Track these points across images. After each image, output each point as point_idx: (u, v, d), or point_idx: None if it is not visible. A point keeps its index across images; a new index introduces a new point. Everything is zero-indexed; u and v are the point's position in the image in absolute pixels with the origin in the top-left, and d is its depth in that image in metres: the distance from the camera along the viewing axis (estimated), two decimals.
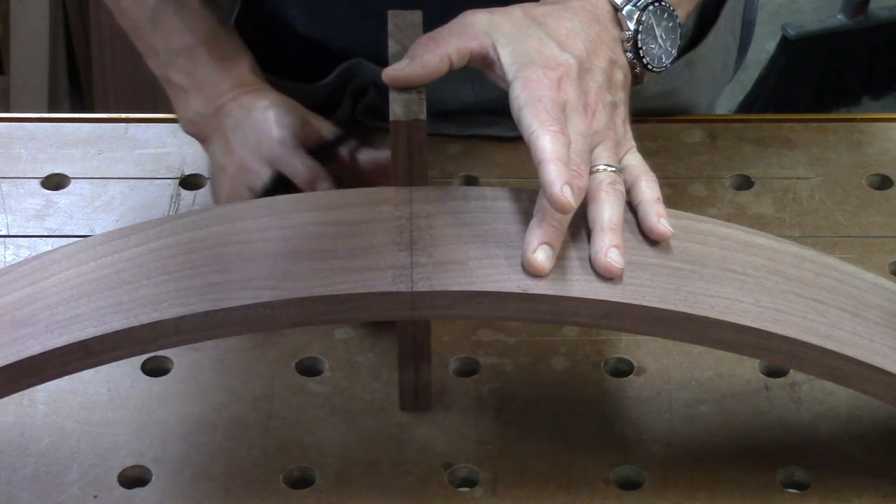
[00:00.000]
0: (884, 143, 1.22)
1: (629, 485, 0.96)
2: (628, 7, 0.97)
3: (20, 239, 1.13)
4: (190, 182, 1.18)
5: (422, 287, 0.86)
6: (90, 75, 2.37)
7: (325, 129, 1.10)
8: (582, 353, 1.05)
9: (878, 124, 1.24)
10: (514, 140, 0.98)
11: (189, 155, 1.20)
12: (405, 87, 0.91)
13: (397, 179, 0.92)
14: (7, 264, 1.05)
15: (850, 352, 0.89)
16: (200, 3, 1.12)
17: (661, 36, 0.98)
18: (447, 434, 0.99)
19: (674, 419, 1.00)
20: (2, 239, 1.13)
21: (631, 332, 1.03)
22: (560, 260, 0.88)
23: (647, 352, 1.04)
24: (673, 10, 0.98)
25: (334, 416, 1.00)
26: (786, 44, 2.60)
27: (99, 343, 0.86)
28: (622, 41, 0.97)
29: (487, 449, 0.98)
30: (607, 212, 0.88)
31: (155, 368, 1.04)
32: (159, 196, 1.17)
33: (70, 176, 1.18)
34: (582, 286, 0.87)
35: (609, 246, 0.87)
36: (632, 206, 0.92)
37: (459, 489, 0.96)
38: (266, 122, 1.08)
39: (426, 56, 0.92)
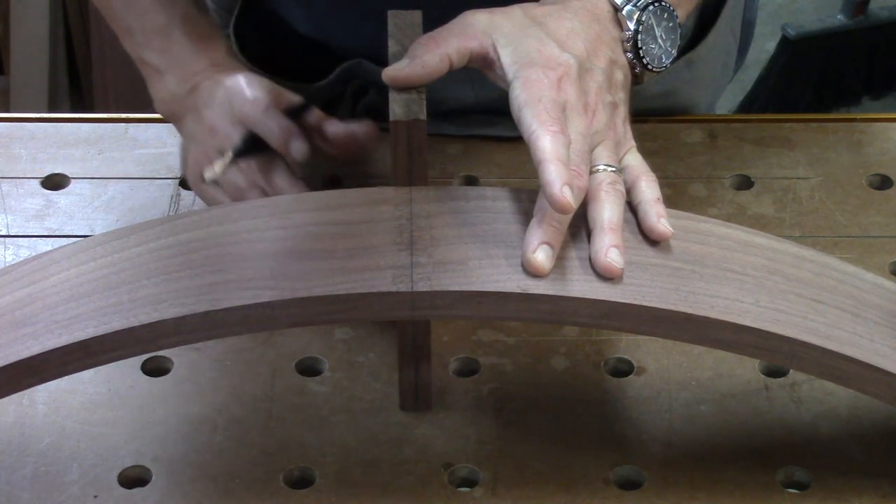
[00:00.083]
0: (884, 143, 1.22)
1: (629, 485, 0.96)
2: (628, 7, 0.97)
3: (20, 239, 1.13)
4: None
5: (422, 287, 0.86)
6: (90, 75, 2.37)
7: (294, 98, 1.09)
8: (582, 353, 1.05)
9: (878, 124, 1.24)
10: (514, 140, 0.98)
11: None
12: (405, 87, 0.91)
13: (397, 179, 0.92)
14: (7, 264, 1.05)
15: (850, 352, 0.89)
16: None
17: (661, 36, 0.98)
18: (447, 434, 0.99)
19: (674, 419, 1.00)
20: (2, 239, 1.13)
21: (631, 332, 1.03)
22: (560, 260, 0.88)
23: (647, 352, 1.04)
24: (673, 10, 0.98)
25: (334, 416, 1.00)
26: (786, 44, 2.60)
27: (99, 343, 0.86)
28: (622, 41, 0.97)
29: (487, 449, 0.98)
30: (607, 212, 0.88)
31: (155, 368, 1.04)
32: (159, 196, 1.17)
33: (70, 176, 1.18)
34: (582, 286, 0.87)
35: (609, 246, 0.87)
36: (632, 206, 0.92)
37: (459, 489, 0.96)
38: (237, 85, 1.07)
39: (426, 56, 0.92)
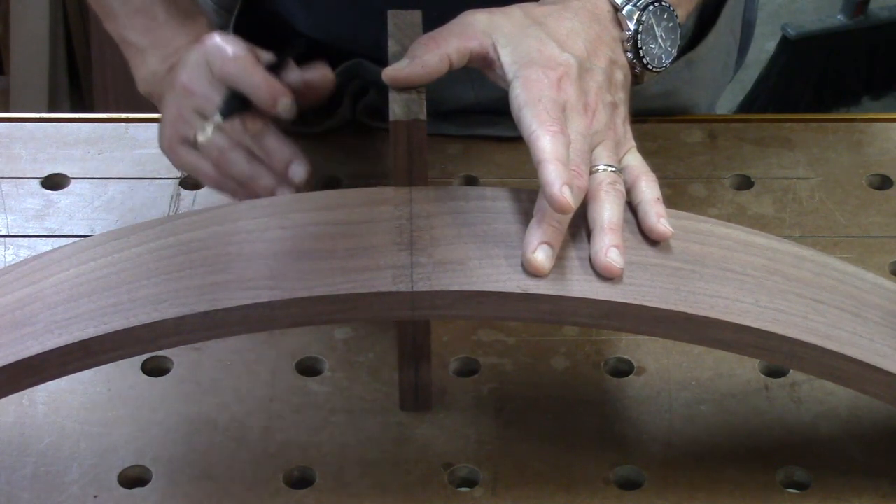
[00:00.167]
0: (884, 143, 1.22)
1: (629, 485, 0.96)
2: (628, 7, 0.97)
3: (20, 239, 1.13)
4: (190, 182, 1.18)
5: (422, 287, 0.86)
6: (90, 75, 2.37)
7: (267, 55, 1.05)
8: (582, 353, 1.05)
9: (878, 124, 1.24)
10: (514, 140, 0.98)
11: None
12: (405, 87, 0.91)
13: (397, 179, 0.92)
14: (7, 264, 1.05)
15: (850, 352, 0.89)
16: None
17: (661, 36, 0.98)
18: (447, 434, 0.99)
19: (674, 419, 1.00)
20: (2, 239, 1.13)
21: (631, 332, 1.03)
22: (560, 260, 0.88)
23: (647, 352, 1.04)
24: (673, 10, 0.98)
25: (334, 416, 1.00)
26: (786, 44, 2.60)
27: (99, 343, 0.86)
28: (622, 41, 0.97)
29: (487, 449, 0.98)
30: (607, 212, 0.89)
31: (155, 368, 1.04)
32: (159, 196, 1.17)
33: (70, 176, 1.18)
34: (582, 286, 0.87)
35: (609, 246, 0.87)
36: (632, 206, 0.92)
37: (459, 489, 0.96)
38: (216, 44, 1.02)
39: (426, 56, 0.92)
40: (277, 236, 0.89)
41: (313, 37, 1.20)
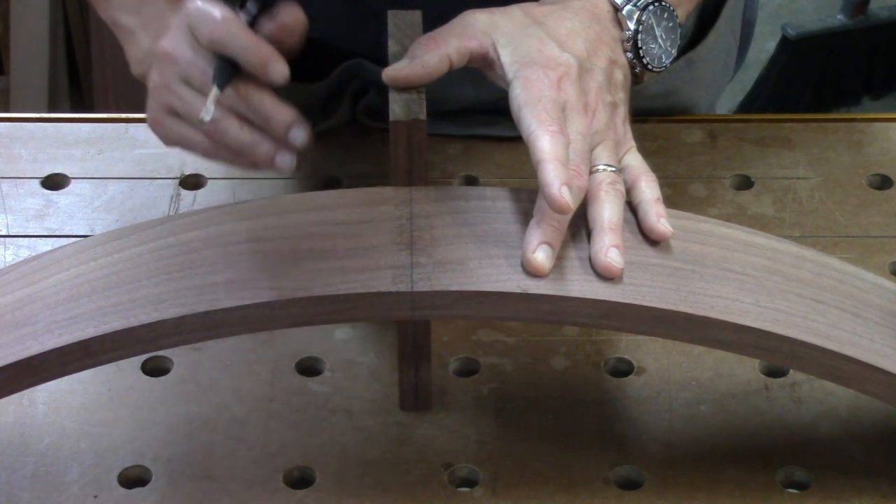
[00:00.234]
0: (884, 143, 1.22)
1: (629, 485, 0.96)
2: (628, 7, 0.97)
3: (20, 239, 1.13)
4: (190, 182, 1.18)
5: (422, 287, 0.86)
6: (90, 75, 2.37)
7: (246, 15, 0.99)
8: (582, 353, 1.05)
9: (878, 124, 1.24)
10: (514, 140, 0.98)
11: (189, 155, 1.20)
12: (405, 87, 0.91)
13: (397, 179, 0.92)
14: (7, 264, 1.05)
15: (850, 352, 0.89)
16: None
17: (661, 36, 0.98)
18: (447, 434, 0.99)
19: (674, 419, 1.00)
20: (2, 239, 1.13)
21: (631, 332, 1.03)
22: (560, 260, 0.88)
23: (647, 352, 1.04)
24: (673, 10, 0.98)
25: (334, 416, 1.00)
26: (786, 44, 2.60)
27: (99, 343, 0.86)
28: (622, 41, 0.97)
29: (487, 449, 0.98)
30: (607, 212, 0.89)
31: (155, 368, 1.04)
32: (159, 196, 1.17)
33: (70, 176, 1.18)
34: (582, 286, 0.87)
35: (609, 246, 0.87)
36: (632, 206, 0.92)
37: (459, 489, 0.96)
38: (199, 8, 0.95)
39: (426, 56, 0.92)
40: (277, 236, 0.89)
41: (313, 37, 1.20)
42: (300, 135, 0.94)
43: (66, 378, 0.90)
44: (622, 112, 0.95)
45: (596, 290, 0.87)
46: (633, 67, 0.97)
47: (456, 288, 0.86)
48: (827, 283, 0.92)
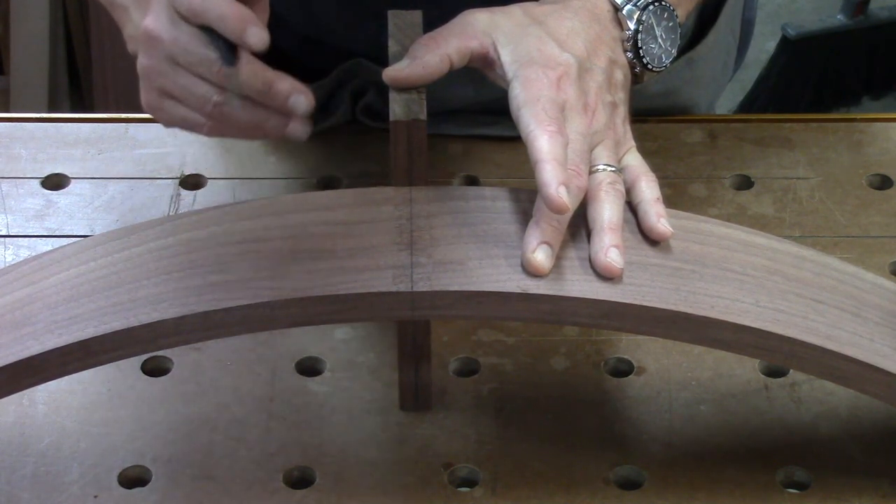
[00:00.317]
0: (884, 143, 1.22)
1: (629, 485, 0.96)
2: (628, 7, 0.97)
3: (20, 239, 1.13)
4: (190, 182, 1.18)
5: (422, 287, 0.86)
6: (90, 75, 2.37)
7: None
8: (582, 353, 1.05)
9: (878, 124, 1.24)
10: (514, 140, 0.98)
11: (189, 155, 1.20)
12: (405, 88, 0.91)
13: (397, 179, 0.92)
14: (7, 264, 1.05)
15: (850, 352, 0.89)
16: None
17: (661, 36, 0.98)
18: (447, 434, 0.99)
19: (674, 419, 1.00)
20: (2, 239, 1.13)
21: (631, 332, 1.03)
22: (560, 260, 0.88)
23: (647, 352, 1.04)
24: (673, 10, 0.98)
25: (334, 416, 1.00)
26: (786, 44, 2.60)
27: (99, 343, 0.86)
28: (622, 41, 0.97)
29: (487, 449, 0.98)
30: (607, 212, 0.89)
31: (155, 368, 1.04)
32: (159, 196, 1.17)
33: (70, 176, 1.18)
34: (582, 286, 0.87)
35: (609, 246, 0.87)
36: (632, 206, 0.92)
37: (459, 489, 0.96)
38: None
39: (427, 56, 0.92)
40: (277, 236, 0.89)
41: (312, 36, 1.20)
42: (302, 101, 0.93)
43: (66, 378, 0.90)
44: (622, 112, 0.95)
45: (596, 289, 0.87)
46: (633, 67, 0.97)
47: (456, 288, 0.86)
48: (827, 283, 0.92)
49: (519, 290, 0.86)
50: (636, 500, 0.95)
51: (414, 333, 0.97)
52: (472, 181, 1.18)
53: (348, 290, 0.86)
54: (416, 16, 0.96)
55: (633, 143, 0.95)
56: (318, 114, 1.19)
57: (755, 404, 1.01)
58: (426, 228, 0.89)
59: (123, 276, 0.89)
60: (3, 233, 1.13)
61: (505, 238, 0.89)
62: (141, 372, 1.03)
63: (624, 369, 1.04)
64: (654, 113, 1.22)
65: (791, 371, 1.02)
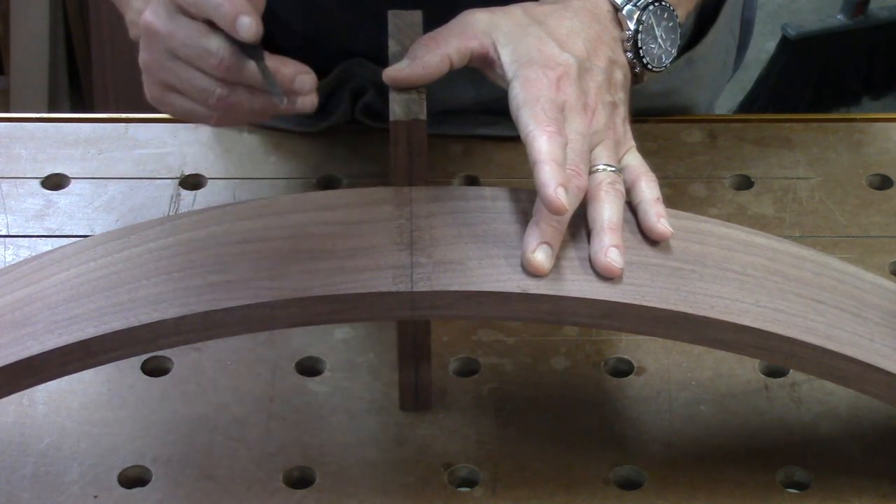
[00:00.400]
0: (884, 143, 1.22)
1: (629, 485, 0.96)
2: (628, 7, 0.97)
3: (20, 239, 1.13)
4: (190, 182, 1.18)
5: (422, 287, 0.86)
6: (90, 75, 2.37)
7: None
8: (582, 353, 1.05)
9: (878, 124, 1.24)
10: (514, 140, 0.98)
11: (189, 155, 1.20)
12: (405, 87, 0.91)
13: (397, 179, 0.92)
14: (7, 264, 1.05)
15: (850, 352, 0.89)
16: None
17: (661, 36, 0.98)
18: (447, 434, 0.99)
19: (674, 419, 1.00)
20: (2, 239, 1.13)
21: (631, 332, 1.03)
22: (560, 260, 0.88)
23: (647, 352, 1.04)
24: (673, 10, 0.98)
25: (334, 416, 1.00)
26: (786, 44, 2.60)
27: (99, 343, 0.86)
28: (622, 41, 0.97)
29: (487, 449, 0.98)
30: (607, 212, 0.89)
31: (155, 368, 1.04)
32: (159, 196, 1.17)
33: (70, 176, 1.18)
34: (582, 286, 0.87)
35: (609, 246, 0.87)
36: (632, 206, 0.92)
37: (459, 489, 0.96)
38: None
39: (427, 56, 0.92)
40: (277, 236, 0.89)
41: (312, 36, 1.20)
42: (307, 80, 0.92)
43: (66, 378, 0.90)
44: (622, 112, 0.95)
45: (596, 289, 0.87)
46: (632, 67, 0.97)
47: (456, 288, 0.86)
48: (827, 283, 0.92)
49: (519, 290, 0.86)
50: (636, 500, 0.95)
51: (414, 333, 0.97)
52: (472, 181, 1.18)
53: (348, 290, 0.86)
54: (416, 16, 0.96)
55: (633, 143, 0.95)
56: (318, 114, 1.19)
57: (755, 404, 1.01)
58: (426, 228, 0.89)
59: (123, 276, 0.89)
60: (3, 233, 1.13)
61: (505, 238, 0.89)
62: (141, 372, 1.03)
63: (624, 369, 1.04)
64: (654, 113, 1.22)
65: (791, 371, 1.02)
